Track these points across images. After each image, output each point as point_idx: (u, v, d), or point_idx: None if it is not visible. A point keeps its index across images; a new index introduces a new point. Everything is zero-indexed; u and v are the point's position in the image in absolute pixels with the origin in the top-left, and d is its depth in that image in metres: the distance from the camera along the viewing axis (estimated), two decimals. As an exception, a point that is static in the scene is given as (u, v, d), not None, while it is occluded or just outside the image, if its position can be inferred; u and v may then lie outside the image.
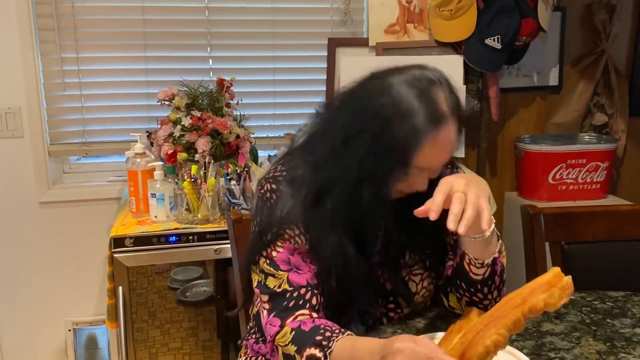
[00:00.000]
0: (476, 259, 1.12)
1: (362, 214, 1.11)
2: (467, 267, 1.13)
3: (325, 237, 1.12)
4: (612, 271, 1.52)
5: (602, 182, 2.64)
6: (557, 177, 2.60)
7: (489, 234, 1.08)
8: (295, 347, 1.06)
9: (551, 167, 2.60)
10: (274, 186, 1.19)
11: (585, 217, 1.55)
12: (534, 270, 1.53)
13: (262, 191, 1.20)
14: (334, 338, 1.03)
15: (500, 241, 1.15)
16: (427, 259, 1.24)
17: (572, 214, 1.56)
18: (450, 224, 0.99)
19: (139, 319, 2.74)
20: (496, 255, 1.13)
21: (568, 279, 0.89)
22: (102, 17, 2.36)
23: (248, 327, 1.39)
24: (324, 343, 1.03)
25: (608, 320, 1.21)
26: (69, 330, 2.55)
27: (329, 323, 1.08)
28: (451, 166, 1.31)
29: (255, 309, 1.31)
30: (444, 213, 1.03)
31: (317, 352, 1.02)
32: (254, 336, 1.32)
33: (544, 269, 1.53)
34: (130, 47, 2.41)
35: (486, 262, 1.12)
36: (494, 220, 1.10)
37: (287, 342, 1.08)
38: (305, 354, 1.04)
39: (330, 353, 1.01)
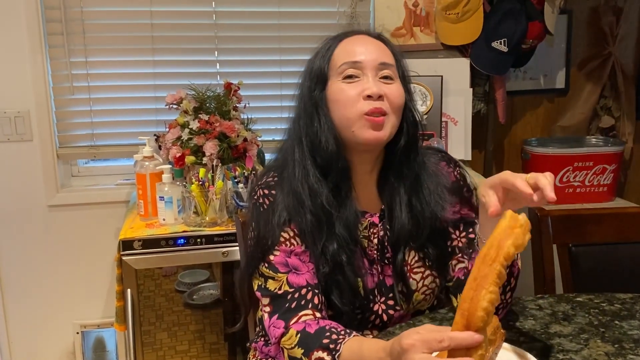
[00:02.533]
0: None
1: (324, 151, 1.17)
2: None
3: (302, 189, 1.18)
4: (620, 273, 1.52)
5: (609, 185, 2.63)
6: (564, 179, 2.60)
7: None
8: (302, 350, 1.06)
9: (558, 169, 2.60)
10: (265, 191, 1.21)
11: (593, 220, 1.55)
12: (541, 272, 1.53)
13: (255, 197, 1.22)
14: (340, 340, 1.03)
15: None
16: (427, 257, 1.24)
17: (580, 216, 1.57)
18: (550, 194, 0.97)
19: (146, 321, 2.74)
20: (515, 258, 1.14)
21: (523, 216, 0.91)
22: (110, 22, 2.38)
23: (256, 330, 1.39)
24: (331, 346, 1.03)
25: (616, 322, 1.21)
26: (77, 333, 2.56)
27: (334, 324, 1.09)
28: (454, 165, 1.32)
29: (261, 313, 1.31)
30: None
31: (325, 356, 1.02)
32: (262, 339, 1.33)
33: (552, 271, 1.54)
34: (138, 52, 2.42)
35: None
36: None
37: (293, 345, 1.08)
38: (313, 358, 1.04)
39: (339, 357, 1.01)
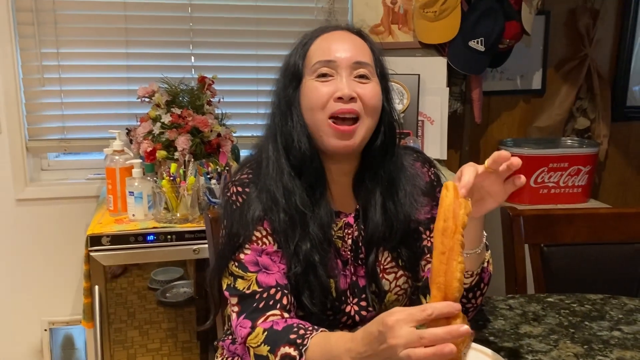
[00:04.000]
0: (466, 271, 1.10)
1: (297, 150, 1.15)
2: None
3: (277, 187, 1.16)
4: (591, 274, 1.52)
5: (583, 186, 2.64)
6: (539, 180, 2.60)
7: (479, 250, 1.09)
8: (269, 347, 1.04)
9: (533, 170, 2.60)
10: (239, 189, 1.18)
11: (565, 220, 1.55)
12: (513, 272, 1.52)
13: (228, 194, 1.19)
14: (308, 335, 1.01)
15: (489, 251, 1.15)
16: (400, 258, 1.23)
17: (552, 216, 1.56)
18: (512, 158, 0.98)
19: (117, 319, 2.70)
20: (485, 264, 1.13)
21: (455, 184, 0.96)
22: (83, 12, 2.33)
23: (224, 328, 1.37)
24: (298, 341, 1.01)
25: (586, 322, 1.21)
26: (45, 330, 2.51)
27: (302, 322, 1.07)
28: (429, 165, 1.30)
29: (229, 311, 1.29)
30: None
31: (291, 351, 1.00)
32: (230, 337, 1.30)
33: (524, 271, 1.53)
34: (111, 43, 2.38)
35: (475, 272, 1.11)
36: (485, 234, 1.11)
37: (259, 343, 1.06)
38: (279, 353, 1.02)
39: (305, 350, 0.99)
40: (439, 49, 2.47)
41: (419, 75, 2.41)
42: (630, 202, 3.04)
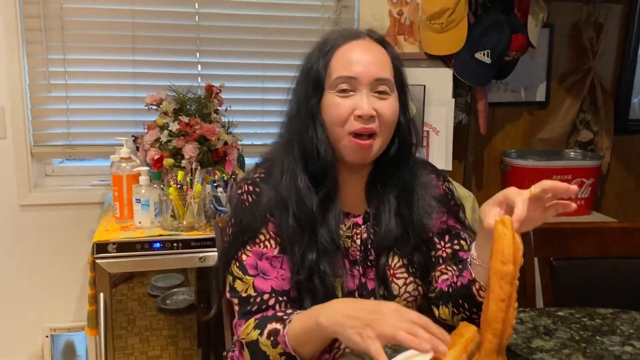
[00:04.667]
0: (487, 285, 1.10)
1: (314, 152, 1.17)
2: (475, 292, 1.12)
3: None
4: (600, 288, 1.53)
5: (586, 199, 2.66)
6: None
7: None
8: (258, 331, 1.08)
9: (537, 181, 2.60)
10: (251, 188, 1.21)
11: (574, 234, 1.55)
12: (522, 285, 1.52)
13: (239, 192, 1.22)
14: (294, 312, 1.06)
15: None
16: (411, 264, 1.23)
17: (561, 230, 1.57)
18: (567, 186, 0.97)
19: (117, 325, 2.68)
20: None
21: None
22: (90, 19, 2.33)
23: (233, 339, 1.37)
24: (284, 317, 1.06)
25: (597, 337, 1.21)
26: (47, 337, 2.50)
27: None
28: (443, 179, 1.31)
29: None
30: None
31: (277, 325, 1.05)
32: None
33: (533, 285, 1.54)
34: (118, 50, 2.38)
35: None
36: None
37: (250, 331, 1.09)
38: (266, 331, 1.06)
39: (289, 322, 1.04)
40: (444, 60, 2.48)
41: (424, 86, 2.42)
42: (632, 215, 3.05)
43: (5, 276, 2.42)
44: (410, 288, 1.24)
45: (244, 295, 1.15)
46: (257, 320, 1.10)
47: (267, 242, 1.18)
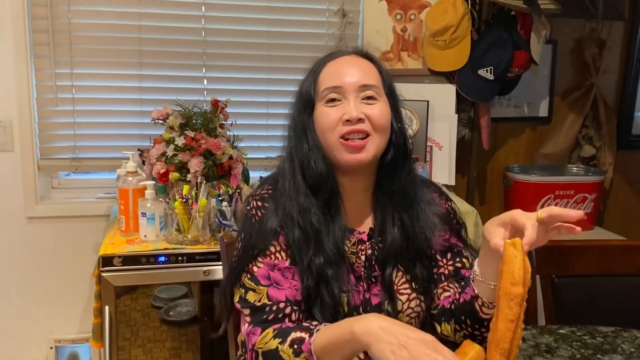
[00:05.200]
0: (490, 302, 1.12)
1: (313, 169, 1.20)
2: (478, 308, 1.13)
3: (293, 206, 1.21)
4: (602, 306, 1.53)
5: (589, 214, 2.66)
6: (546, 207, 2.62)
7: None
8: (279, 340, 1.08)
9: (540, 197, 2.62)
10: (259, 203, 1.24)
11: (576, 251, 1.56)
12: (524, 302, 1.53)
13: (248, 208, 1.25)
14: (322, 324, 1.07)
15: None
16: (414, 280, 1.25)
17: (563, 248, 1.58)
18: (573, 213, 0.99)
19: (121, 337, 2.70)
20: None
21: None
22: (98, 34, 2.36)
23: (237, 354, 1.38)
24: (311, 327, 1.06)
25: (598, 355, 1.22)
26: (51, 348, 2.51)
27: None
28: (445, 198, 1.33)
29: (242, 337, 1.30)
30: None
31: (302, 334, 1.05)
32: (244, 361, 1.31)
33: (534, 302, 1.54)
34: (125, 65, 2.41)
35: None
36: None
37: (268, 340, 1.09)
38: (289, 339, 1.06)
39: (317, 331, 1.04)
40: (448, 76, 2.50)
41: (427, 101, 2.44)
42: (634, 230, 3.05)
43: (11, 287, 2.44)
44: (413, 304, 1.25)
45: (258, 304, 1.16)
46: (276, 330, 1.10)
47: (277, 254, 1.20)
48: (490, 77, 2.39)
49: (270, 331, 1.11)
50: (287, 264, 1.20)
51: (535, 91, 2.81)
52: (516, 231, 1.01)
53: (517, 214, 1.00)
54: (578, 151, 2.90)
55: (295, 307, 1.16)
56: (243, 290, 1.19)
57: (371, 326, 0.95)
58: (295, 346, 1.04)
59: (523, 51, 2.42)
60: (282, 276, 1.18)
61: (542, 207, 2.59)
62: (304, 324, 1.10)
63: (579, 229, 1.01)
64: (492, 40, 2.39)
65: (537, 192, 2.63)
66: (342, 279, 1.20)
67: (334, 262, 1.19)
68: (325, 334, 1.03)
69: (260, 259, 1.19)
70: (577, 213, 0.99)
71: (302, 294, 1.18)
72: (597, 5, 2.60)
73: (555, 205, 2.57)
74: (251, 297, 1.17)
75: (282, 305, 1.15)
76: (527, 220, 0.98)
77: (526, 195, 2.66)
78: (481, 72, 2.39)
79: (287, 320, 1.14)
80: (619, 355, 1.22)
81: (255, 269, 1.18)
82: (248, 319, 1.17)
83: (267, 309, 1.15)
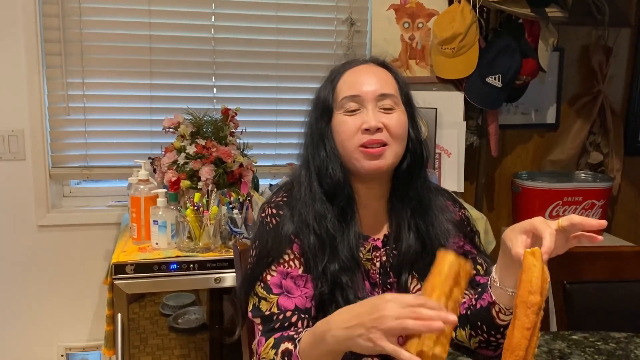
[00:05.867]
0: (507, 308, 1.12)
1: (330, 178, 1.22)
2: (494, 314, 1.14)
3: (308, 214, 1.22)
4: (614, 312, 1.54)
5: (597, 220, 2.66)
6: (554, 214, 2.63)
7: None
8: (275, 350, 1.10)
9: (548, 203, 2.63)
10: (274, 211, 1.25)
11: (587, 257, 1.56)
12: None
13: (263, 215, 1.27)
14: (302, 331, 1.09)
15: None
16: None
17: (574, 254, 1.57)
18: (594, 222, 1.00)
19: (130, 344, 2.70)
20: None
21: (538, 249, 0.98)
22: (109, 44, 2.39)
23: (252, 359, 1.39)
24: (295, 336, 1.09)
25: (612, 361, 1.22)
26: (62, 355, 2.52)
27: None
28: (459, 206, 1.35)
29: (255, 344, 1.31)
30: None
31: (289, 345, 1.08)
32: (258, 369, 1.32)
33: (546, 308, 1.54)
34: (136, 74, 2.43)
35: None
36: None
37: (268, 351, 1.12)
38: (280, 351, 1.09)
39: (299, 342, 1.06)
40: (456, 84, 2.52)
41: (436, 109, 2.45)
42: (643, 236, 3.06)
43: (23, 295, 2.46)
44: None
45: (267, 313, 1.17)
46: (274, 340, 1.12)
47: (291, 262, 1.21)
48: (499, 84, 2.40)
49: (271, 341, 1.13)
50: (300, 271, 1.21)
51: (542, 98, 2.82)
52: (537, 239, 1.02)
53: (537, 222, 1.01)
54: (586, 158, 2.91)
55: (303, 315, 1.17)
56: (257, 299, 1.20)
57: (337, 330, 0.98)
58: (286, 358, 1.08)
59: (531, 59, 2.44)
60: (294, 284, 1.20)
61: (550, 213, 2.60)
62: (291, 332, 1.12)
63: (600, 238, 1.01)
64: (500, 48, 2.40)
65: (545, 199, 2.64)
66: (358, 285, 1.21)
67: (349, 269, 1.20)
68: (306, 345, 1.06)
69: (274, 267, 1.20)
70: (599, 222, 0.99)
71: (315, 300, 1.19)
72: (604, 13, 2.62)
73: (564, 212, 2.59)
74: (263, 306, 1.19)
75: (289, 314, 1.16)
76: (546, 228, 0.99)
77: (534, 202, 2.66)
78: (489, 79, 2.40)
79: (292, 328, 1.15)
80: (632, 360, 1.23)
81: (268, 277, 1.20)
82: (260, 327, 1.19)
83: (275, 317, 1.16)
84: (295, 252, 1.21)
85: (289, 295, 1.18)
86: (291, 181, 1.31)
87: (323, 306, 1.19)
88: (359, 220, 1.26)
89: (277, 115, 2.58)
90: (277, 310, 1.17)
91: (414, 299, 0.93)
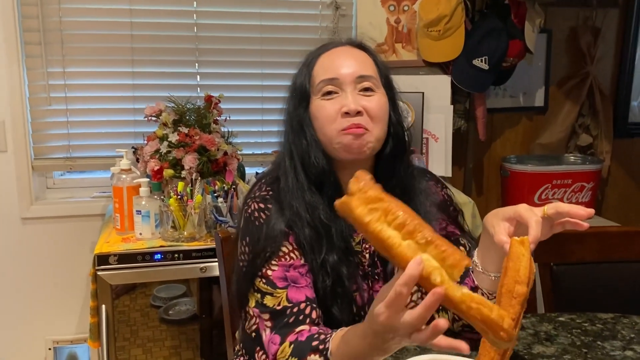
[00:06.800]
0: (490, 293, 1.11)
1: (313, 165, 1.18)
2: None
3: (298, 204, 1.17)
4: (601, 292, 1.52)
5: (587, 203, 2.65)
6: (543, 197, 2.62)
7: None
8: (297, 359, 1.04)
9: (537, 187, 2.61)
10: (261, 205, 1.19)
11: (574, 239, 1.55)
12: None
13: (250, 211, 1.20)
14: (328, 339, 1.01)
15: None
16: None
17: (561, 236, 1.54)
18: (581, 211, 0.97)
19: (120, 337, 2.69)
20: None
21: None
22: (89, 32, 2.35)
23: (235, 349, 1.36)
24: (320, 347, 1.01)
25: (598, 342, 1.21)
26: (50, 349, 2.50)
27: (323, 328, 1.08)
28: (441, 186, 1.32)
29: (241, 332, 1.28)
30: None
31: (317, 357, 1.01)
32: (241, 358, 1.30)
33: (533, 290, 1.53)
34: (117, 63, 2.39)
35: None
36: None
37: (287, 356, 1.06)
38: None
39: (330, 354, 0.99)
40: (443, 67, 2.49)
41: (423, 93, 2.43)
42: (633, 218, 3.05)
43: (8, 289, 2.43)
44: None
45: (278, 308, 1.11)
46: (292, 346, 1.06)
47: (291, 254, 1.16)
48: (485, 66, 2.38)
49: (287, 345, 1.06)
50: (302, 262, 1.16)
51: (530, 81, 2.80)
52: (520, 226, 0.99)
53: (522, 210, 0.98)
54: (575, 140, 2.89)
55: (314, 305, 1.13)
56: (259, 295, 1.14)
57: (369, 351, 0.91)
58: None
59: (517, 40, 2.42)
60: (299, 274, 1.15)
61: (539, 197, 2.59)
62: (314, 343, 1.02)
63: (586, 225, 0.99)
64: (487, 30, 2.38)
65: (534, 182, 2.63)
66: (355, 277, 1.18)
67: (347, 259, 1.17)
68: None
69: (274, 262, 1.14)
70: (587, 211, 0.96)
71: (317, 294, 1.15)
72: (591, -7, 2.60)
73: (553, 195, 2.57)
74: (269, 301, 1.13)
75: (302, 306, 1.11)
76: (532, 216, 0.96)
77: (523, 186, 2.65)
78: (476, 62, 2.38)
79: (307, 320, 1.10)
80: (619, 341, 1.21)
81: (269, 272, 1.14)
82: (269, 324, 1.12)
83: (288, 311, 1.11)
84: (293, 244, 1.16)
85: (297, 285, 1.13)
86: (273, 172, 1.25)
87: (325, 299, 1.15)
88: None
89: (263, 103, 2.55)
90: (289, 303, 1.11)
91: (394, 296, 0.82)
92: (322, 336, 1.03)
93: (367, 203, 0.80)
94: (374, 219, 0.79)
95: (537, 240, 0.95)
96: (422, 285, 0.78)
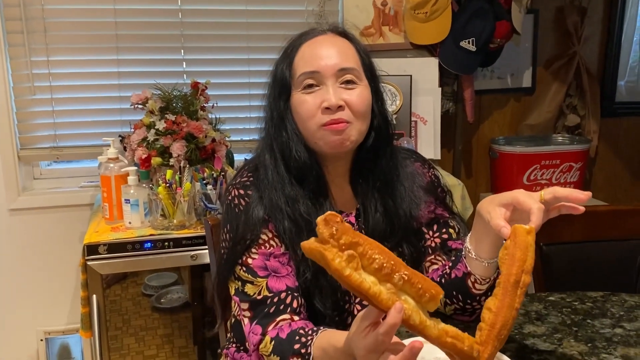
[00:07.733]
0: (483, 278, 1.10)
1: (294, 158, 1.16)
2: (470, 284, 1.11)
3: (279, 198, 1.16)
4: (590, 271, 1.54)
5: (575, 183, 2.67)
6: (532, 177, 2.63)
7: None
8: (279, 358, 1.05)
9: (526, 168, 2.62)
10: (241, 191, 1.18)
11: (563, 218, 1.55)
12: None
13: (230, 198, 1.19)
14: (309, 343, 1.01)
15: None
16: (402, 257, 1.23)
17: (550, 215, 1.57)
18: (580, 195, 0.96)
19: (112, 326, 2.67)
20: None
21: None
22: (73, 20, 2.32)
23: (227, 336, 1.36)
24: (302, 351, 1.01)
25: (588, 320, 1.22)
26: (41, 340, 2.49)
27: (303, 324, 1.08)
28: (428, 167, 1.31)
29: (233, 319, 1.28)
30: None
31: None
32: (233, 345, 1.30)
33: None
34: (102, 50, 2.36)
35: (492, 278, 1.11)
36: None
37: (269, 352, 1.06)
38: None
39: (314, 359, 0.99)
40: (430, 50, 2.48)
41: (410, 76, 2.42)
42: (620, 197, 3.07)
43: (-3, 281, 2.41)
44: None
45: (258, 297, 1.11)
46: (273, 342, 1.06)
47: (271, 242, 1.15)
48: (473, 48, 2.37)
49: (268, 340, 1.07)
50: (282, 250, 1.15)
51: (518, 62, 2.80)
52: (515, 212, 0.98)
53: (520, 195, 0.97)
54: (563, 120, 2.90)
55: (296, 294, 1.12)
56: (240, 283, 1.14)
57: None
58: None
59: (504, 21, 2.41)
60: (280, 263, 1.14)
61: (528, 177, 2.60)
62: (295, 345, 1.02)
63: (582, 209, 0.98)
64: (473, 11, 2.37)
65: (523, 163, 2.64)
66: None
67: None
68: None
69: (254, 250, 1.14)
70: (585, 194, 0.95)
71: (300, 287, 1.14)
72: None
73: (542, 175, 2.58)
74: (250, 289, 1.13)
75: (283, 295, 1.11)
76: (534, 203, 0.94)
77: (512, 167, 2.66)
78: (463, 43, 2.37)
79: (288, 309, 1.10)
80: (609, 319, 1.22)
81: (250, 260, 1.14)
82: (247, 314, 1.12)
83: (269, 301, 1.10)
84: (273, 231, 1.15)
85: (278, 275, 1.13)
86: (255, 160, 1.24)
87: (307, 292, 1.15)
88: (332, 198, 1.21)
89: (250, 88, 2.54)
90: (269, 293, 1.11)
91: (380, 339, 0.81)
92: (303, 338, 1.02)
93: (342, 250, 0.80)
94: (353, 270, 0.80)
95: (539, 227, 0.94)
96: (403, 323, 0.80)
